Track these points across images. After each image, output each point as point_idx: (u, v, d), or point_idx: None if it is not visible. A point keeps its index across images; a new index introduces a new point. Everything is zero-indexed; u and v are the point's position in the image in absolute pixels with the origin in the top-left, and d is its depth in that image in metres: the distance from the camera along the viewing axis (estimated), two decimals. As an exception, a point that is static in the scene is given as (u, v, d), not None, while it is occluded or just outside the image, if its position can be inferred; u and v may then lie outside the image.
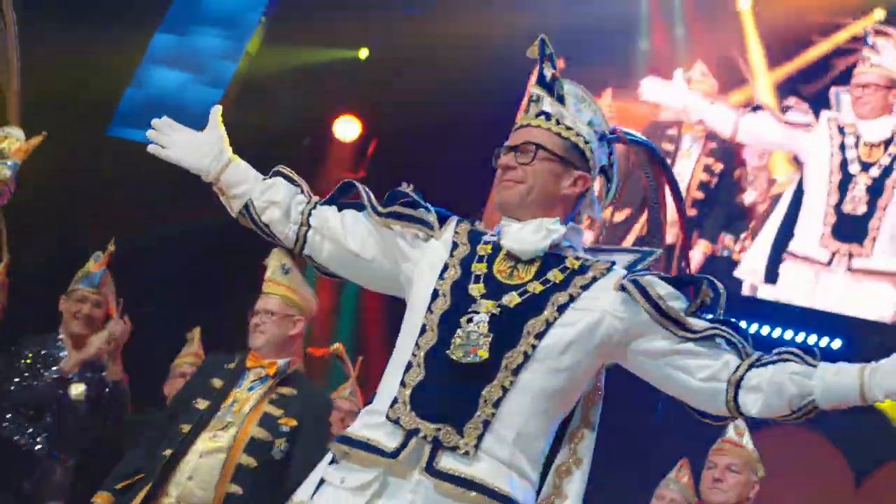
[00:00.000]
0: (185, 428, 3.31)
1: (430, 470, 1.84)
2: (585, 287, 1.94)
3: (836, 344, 5.08)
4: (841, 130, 4.65)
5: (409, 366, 1.91)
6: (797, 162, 4.93)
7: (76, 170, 5.69)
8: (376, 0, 5.44)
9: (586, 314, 1.91)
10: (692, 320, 1.90)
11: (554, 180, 2.02)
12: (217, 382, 3.49)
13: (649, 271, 2.00)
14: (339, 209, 2.15)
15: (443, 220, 2.09)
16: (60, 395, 3.97)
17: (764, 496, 3.73)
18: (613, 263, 2.01)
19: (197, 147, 2.16)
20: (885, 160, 4.50)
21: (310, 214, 2.13)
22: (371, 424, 1.92)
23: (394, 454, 1.86)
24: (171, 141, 2.16)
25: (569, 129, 2.06)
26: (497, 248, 2.01)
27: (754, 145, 5.05)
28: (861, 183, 4.58)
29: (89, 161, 5.97)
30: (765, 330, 5.25)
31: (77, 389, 4.01)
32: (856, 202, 4.68)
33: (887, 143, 4.51)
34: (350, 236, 2.10)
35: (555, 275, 1.96)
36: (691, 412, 1.97)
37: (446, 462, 1.84)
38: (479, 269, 1.99)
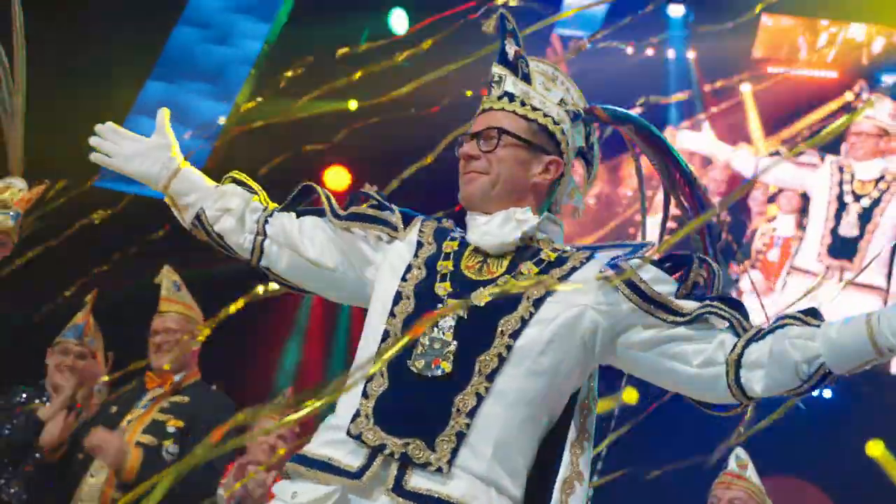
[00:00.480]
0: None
1: (398, 490, 1.66)
2: (563, 279, 1.77)
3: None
4: (840, 170, 5.76)
5: (371, 375, 1.73)
6: (805, 197, 6.03)
7: (65, 220, 5.71)
8: (366, 52, 5.53)
9: (565, 308, 1.74)
10: (682, 303, 1.74)
11: (521, 168, 1.85)
12: (113, 409, 3.63)
13: (634, 256, 1.82)
14: (299, 216, 1.98)
15: (408, 221, 1.93)
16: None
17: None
18: (594, 252, 1.84)
19: (145, 155, 2.00)
20: (875, 193, 5.58)
21: (265, 222, 1.96)
22: (331, 441, 1.73)
23: (357, 474, 1.68)
24: (117, 149, 2.01)
25: (535, 109, 1.87)
26: (464, 243, 1.86)
27: (771, 183, 6.05)
28: (853, 211, 5.61)
29: (78, 212, 6.03)
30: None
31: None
32: (849, 227, 5.64)
33: (877, 180, 5.63)
34: (309, 243, 1.93)
35: (528, 268, 1.79)
36: (699, 407, 1.80)
37: (417, 481, 1.66)
38: (445, 266, 1.82)
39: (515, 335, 1.71)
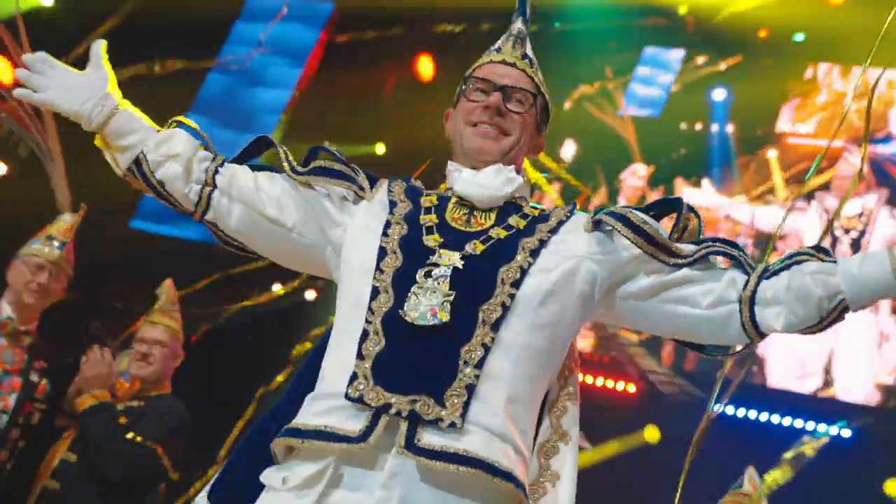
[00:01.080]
0: None
1: (412, 447, 1.52)
2: (553, 231, 1.70)
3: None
4: (826, 211, 6.35)
5: (364, 335, 1.61)
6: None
7: (101, 261, 6.01)
8: (391, 99, 5.83)
9: (563, 259, 1.67)
10: (681, 245, 1.69)
11: (530, 140, 1.81)
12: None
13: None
14: (253, 171, 1.81)
15: (373, 182, 1.80)
16: None
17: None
18: (574, 206, 1.79)
19: (77, 89, 1.77)
20: (860, 227, 6.21)
21: (216, 172, 1.77)
22: (324, 410, 1.58)
23: (361, 437, 1.53)
24: (46, 83, 1.78)
25: (543, 83, 1.85)
26: (444, 198, 1.77)
27: (767, 229, 6.53)
28: (845, 242, 6.17)
29: (113, 252, 6.34)
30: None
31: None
32: (842, 253, 6.01)
33: (859, 215, 6.27)
34: (267, 199, 1.76)
35: (516, 221, 1.72)
36: (706, 354, 1.77)
37: (429, 439, 1.52)
38: (429, 220, 1.72)
39: (517, 284, 1.62)
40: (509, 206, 1.72)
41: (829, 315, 1.59)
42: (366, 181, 1.75)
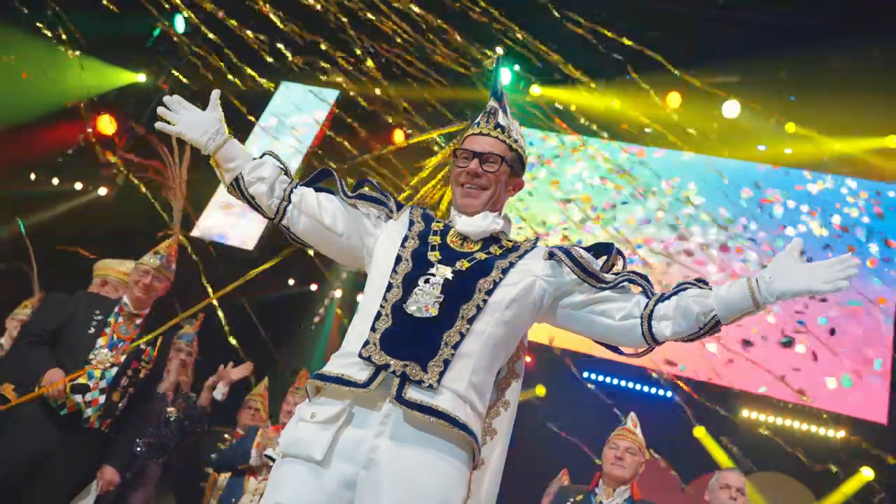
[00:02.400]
0: None
1: (400, 399, 1.86)
2: (520, 257, 2.06)
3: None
4: None
5: (378, 315, 1.96)
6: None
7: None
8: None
9: (524, 277, 2.02)
10: (606, 275, 2.02)
11: (504, 186, 2.16)
12: None
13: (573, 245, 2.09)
14: (317, 191, 2.19)
15: (399, 207, 2.19)
16: (160, 413, 4.91)
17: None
18: (537, 240, 2.14)
19: (199, 124, 2.12)
20: None
21: (291, 192, 2.15)
22: (343, 364, 1.95)
23: (365, 384, 1.88)
24: (179, 118, 2.14)
25: (515, 140, 2.18)
26: (448, 225, 2.15)
27: None
28: None
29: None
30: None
31: (171, 411, 4.98)
32: None
33: None
34: (325, 213, 2.14)
35: (494, 249, 2.08)
36: (616, 351, 2.08)
37: (413, 393, 1.86)
38: (434, 240, 2.08)
39: (490, 292, 1.98)
40: (491, 239, 2.12)
41: (705, 327, 1.90)
42: (395, 206, 2.17)
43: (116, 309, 4.13)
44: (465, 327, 1.94)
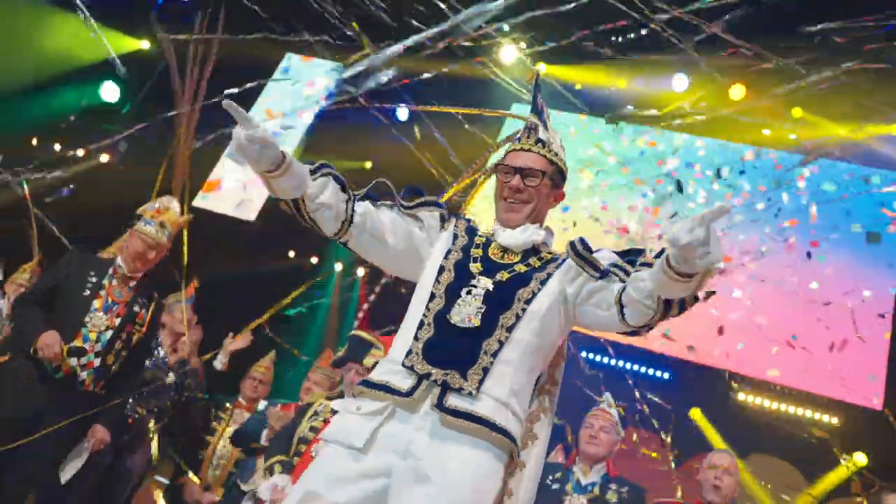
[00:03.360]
0: None
1: (440, 407, 1.94)
2: (557, 267, 2.13)
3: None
4: None
5: (420, 324, 2.04)
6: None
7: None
8: (377, 131, 7.60)
9: (557, 285, 2.09)
10: (600, 262, 2.06)
11: (546, 199, 2.23)
12: None
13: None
14: (374, 204, 2.22)
15: (450, 215, 2.28)
16: (157, 377, 4.91)
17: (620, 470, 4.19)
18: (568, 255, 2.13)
19: (263, 160, 1.99)
20: None
21: (353, 211, 2.16)
22: (388, 371, 2.03)
23: (408, 394, 1.97)
24: (245, 157, 2.02)
25: (556, 154, 2.24)
26: (490, 238, 2.22)
27: None
28: None
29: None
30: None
31: (170, 377, 4.99)
32: None
33: None
34: (387, 231, 2.20)
35: (534, 261, 2.15)
36: (624, 334, 2.09)
37: (453, 401, 1.94)
38: (476, 253, 2.16)
39: (529, 302, 2.05)
40: (532, 250, 2.19)
41: (662, 308, 1.89)
42: (446, 212, 2.26)
43: (110, 271, 4.12)
44: (504, 336, 2.01)
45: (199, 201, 8.27)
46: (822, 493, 6.65)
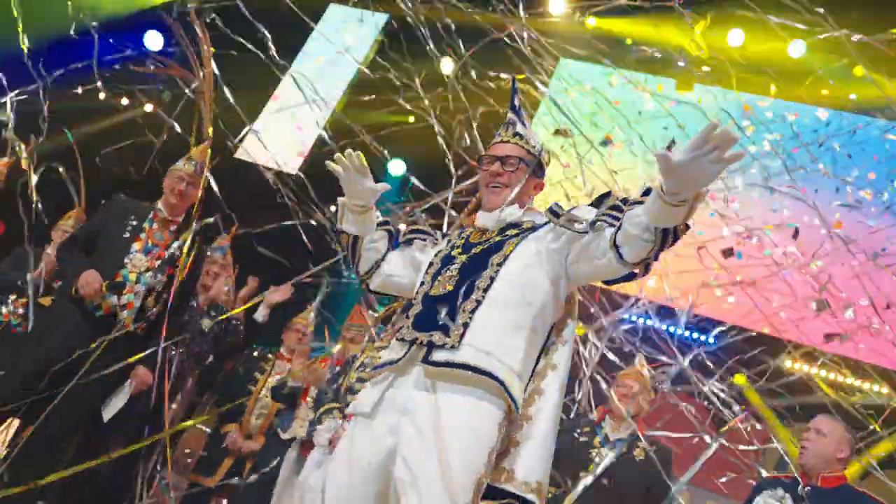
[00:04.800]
0: None
1: (426, 361, 2.12)
2: (533, 230, 2.26)
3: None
4: None
5: (412, 306, 2.29)
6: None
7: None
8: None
9: (533, 247, 2.22)
10: (586, 216, 2.17)
11: (524, 185, 2.37)
12: None
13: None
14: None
15: (444, 236, 2.55)
16: (195, 325, 5.02)
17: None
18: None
19: (358, 189, 2.51)
20: None
21: (382, 263, 2.58)
22: (389, 351, 2.27)
23: (400, 359, 2.18)
24: (344, 176, 2.49)
25: (534, 147, 2.42)
26: (473, 229, 2.42)
27: None
28: None
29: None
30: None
31: (205, 322, 5.12)
32: None
33: None
34: (394, 266, 2.56)
35: (512, 231, 2.30)
36: (615, 283, 2.20)
37: (438, 356, 2.11)
38: (458, 241, 2.39)
39: (501, 264, 2.19)
40: (510, 226, 2.35)
41: (659, 238, 1.98)
42: (440, 235, 2.55)
43: (150, 215, 4.17)
44: (481, 296, 2.16)
45: (242, 153, 8.11)
46: (869, 463, 6.48)
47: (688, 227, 2.00)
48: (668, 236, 1.99)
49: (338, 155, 2.48)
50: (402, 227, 2.75)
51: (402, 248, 2.58)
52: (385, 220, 2.62)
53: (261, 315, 5.44)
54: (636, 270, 2.13)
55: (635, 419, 4.14)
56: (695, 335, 7.21)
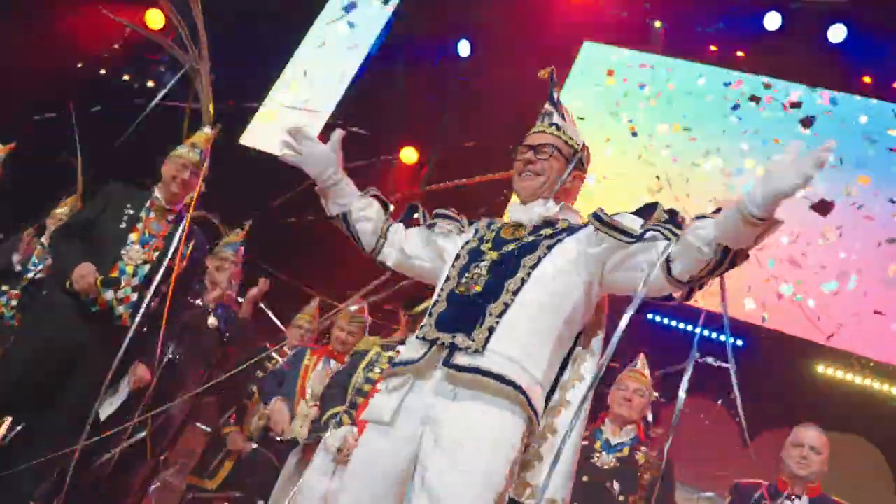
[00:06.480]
0: None
1: (448, 364, 2.05)
2: (570, 233, 2.19)
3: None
4: None
5: (435, 303, 2.21)
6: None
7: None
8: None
9: (570, 251, 2.15)
10: (634, 227, 2.08)
11: (560, 175, 2.30)
12: None
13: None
14: (406, 226, 2.50)
15: (471, 223, 2.45)
16: (201, 323, 4.88)
17: (681, 448, 3.75)
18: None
19: (318, 159, 2.41)
20: None
21: (387, 229, 2.47)
22: (407, 349, 2.21)
23: (419, 360, 2.11)
24: (300, 149, 2.41)
25: (571, 138, 2.36)
26: (504, 224, 2.33)
27: None
28: None
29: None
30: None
31: (211, 320, 4.95)
32: None
33: None
34: (408, 244, 2.46)
35: (546, 231, 2.23)
36: (655, 301, 2.12)
37: (460, 359, 2.04)
38: (488, 235, 2.30)
39: (534, 267, 2.13)
40: (544, 224, 2.26)
41: (716, 256, 1.89)
42: (466, 222, 2.46)
43: (148, 204, 3.97)
44: (510, 298, 2.07)
45: (247, 137, 8.29)
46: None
47: (747, 256, 1.91)
48: (726, 257, 1.89)
49: (280, 143, 2.40)
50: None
51: (424, 230, 2.49)
52: (371, 188, 2.54)
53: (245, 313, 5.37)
54: (677, 294, 2.05)
55: (635, 422, 4.07)
56: (722, 337, 6.76)
